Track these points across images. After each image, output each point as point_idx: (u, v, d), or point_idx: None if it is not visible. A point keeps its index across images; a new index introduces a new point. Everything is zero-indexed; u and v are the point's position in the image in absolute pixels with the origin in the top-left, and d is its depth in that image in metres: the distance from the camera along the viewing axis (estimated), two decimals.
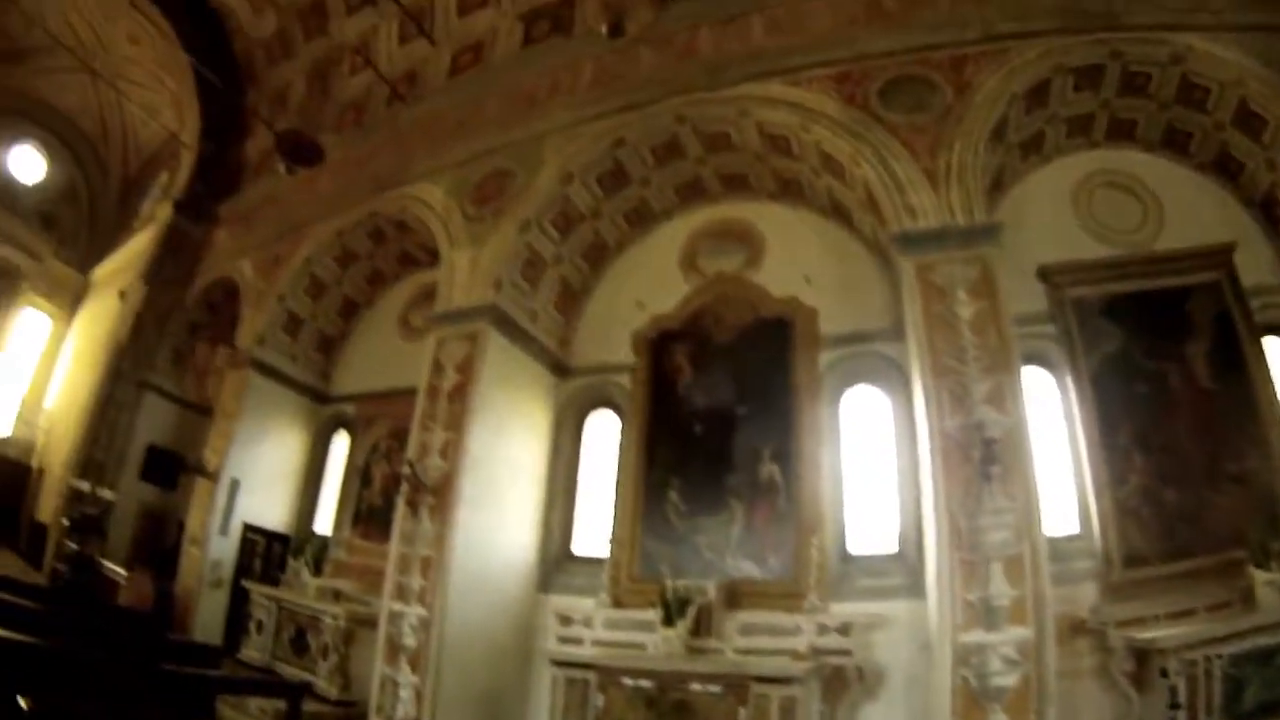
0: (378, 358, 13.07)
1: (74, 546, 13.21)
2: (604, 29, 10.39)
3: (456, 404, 9.38)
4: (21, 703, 3.24)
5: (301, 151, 11.97)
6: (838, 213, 9.82)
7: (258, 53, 17.45)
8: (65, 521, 13.86)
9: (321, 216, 13.52)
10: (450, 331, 9.94)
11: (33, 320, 22.92)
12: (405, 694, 8.33)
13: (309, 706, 7.95)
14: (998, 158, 8.42)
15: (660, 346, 10.05)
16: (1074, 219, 8.71)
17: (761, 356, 9.32)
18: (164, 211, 18.23)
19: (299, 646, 10.37)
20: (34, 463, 19.68)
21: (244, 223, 16.33)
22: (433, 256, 11.91)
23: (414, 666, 8.38)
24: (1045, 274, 8.37)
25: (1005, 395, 6.80)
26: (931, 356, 7.14)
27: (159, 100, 21.07)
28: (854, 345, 9.07)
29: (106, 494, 14.18)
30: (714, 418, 9.32)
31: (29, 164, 24.65)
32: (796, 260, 9.84)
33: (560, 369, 10.78)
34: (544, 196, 10.27)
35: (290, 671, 10.10)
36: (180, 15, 17.74)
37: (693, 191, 10.81)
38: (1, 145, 24.18)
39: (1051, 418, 8.00)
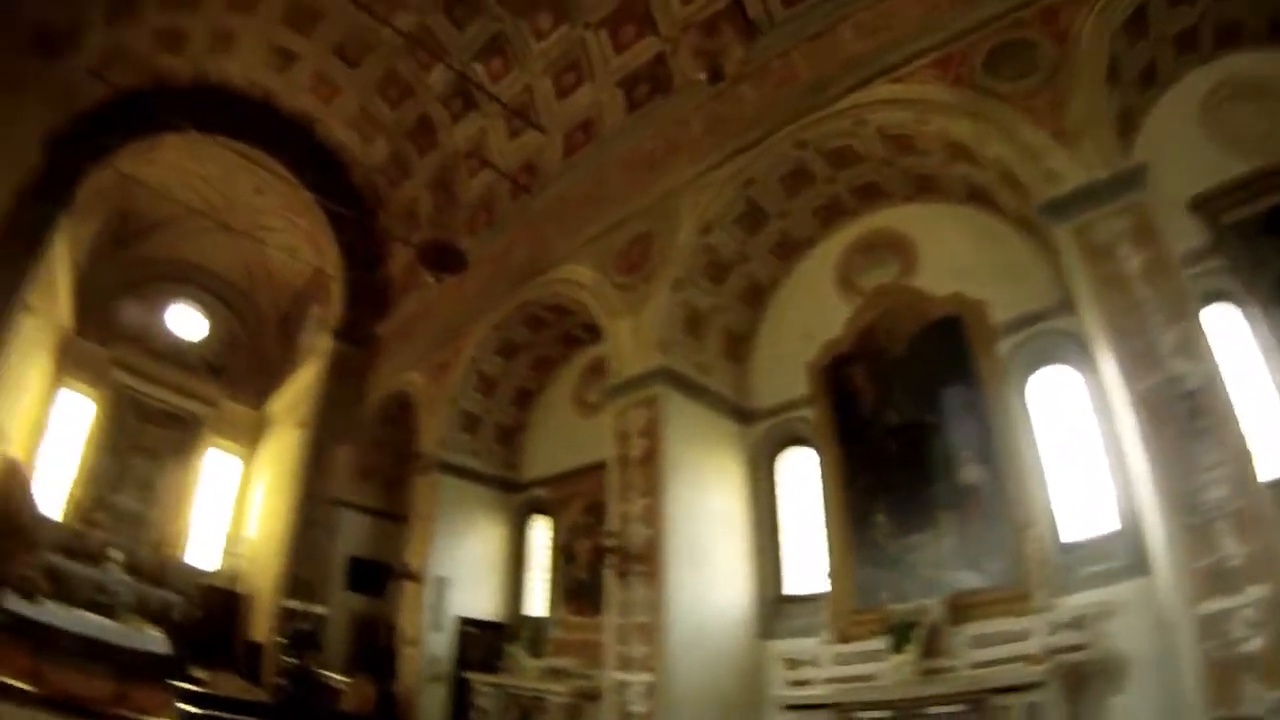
0: (560, 439, 14.34)
1: (292, 661, 15.04)
2: (703, 77, 11.26)
3: (648, 469, 10.08)
4: None
5: (445, 259, 13.12)
6: (979, 198, 10.07)
7: (378, 178, 19.55)
8: (280, 639, 15.75)
9: (476, 316, 15.06)
10: (627, 400, 10.78)
11: (220, 460, 26.38)
12: None
13: None
14: (1118, 99, 8.37)
15: (836, 373, 10.47)
16: (1209, 141, 8.53)
17: (938, 360, 9.55)
18: (324, 342, 20.74)
19: None
20: (243, 589, 22.56)
21: (403, 337, 18.32)
22: (593, 333, 13.17)
23: None
24: (1196, 205, 8.24)
25: (1193, 342, 6.71)
26: (1109, 320, 7.14)
27: (296, 239, 23.60)
28: (1028, 328, 9.19)
29: (317, 609, 16.14)
30: (904, 432, 9.57)
31: (189, 321, 28.43)
32: (950, 255, 10.14)
33: (743, 415, 11.38)
34: (688, 251, 11.04)
35: None
36: (296, 159, 20.09)
37: (831, 212, 11.40)
38: (161, 308, 27.70)
39: (1246, 355, 7.76)
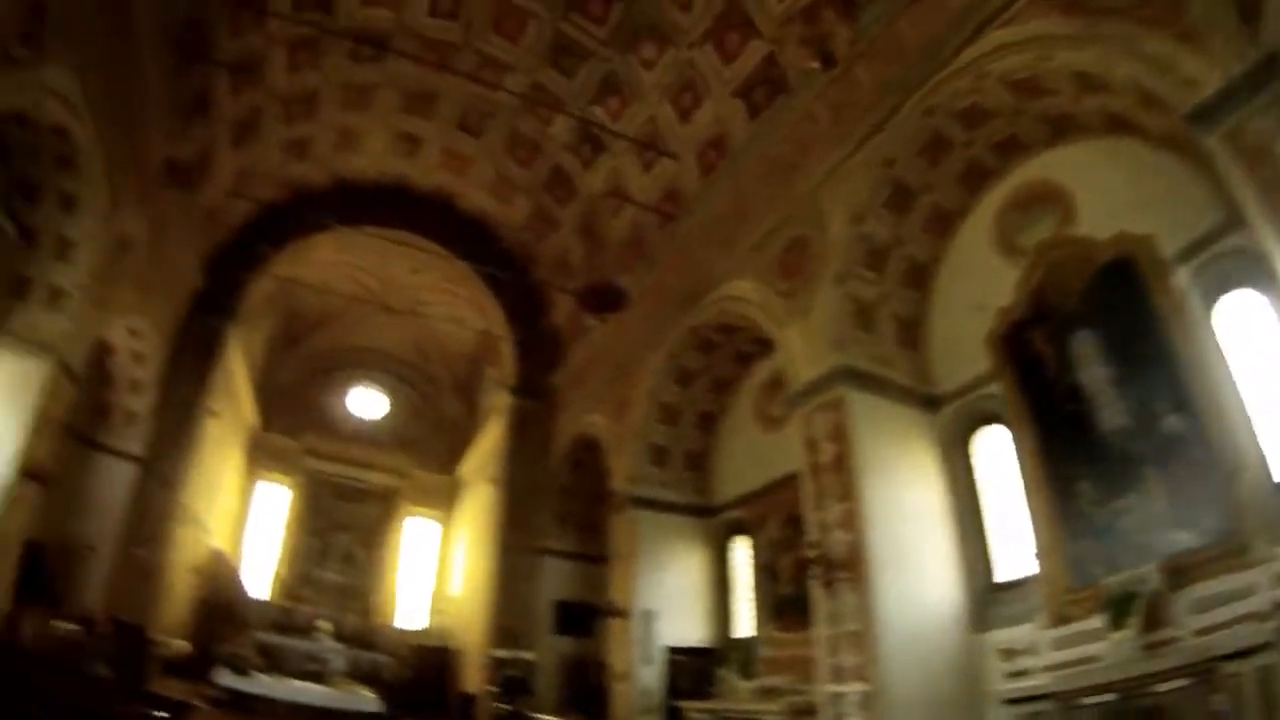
0: (748, 457, 14.88)
1: (505, 708, 16.34)
2: (816, 66, 11.62)
3: (841, 473, 10.30)
4: None
5: (606, 300, 13.96)
6: (1120, 127, 9.77)
7: (525, 235, 21.04)
8: (492, 688, 17.12)
9: (647, 349, 15.95)
10: (810, 406, 11.12)
11: (419, 526, 29.10)
12: None
13: None
14: None
15: (1015, 341, 10.27)
16: None
17: (1116, 307, 9.26)
18: (503, 400, 22.25)
19: None
20: (452, 644, 24.51)
21: (579, 382, 19.58)
22: (765, 345, 13.84)
23: None
24: None
25: None
26: None
27: (458, 308, 25.51)
28: (1201, 254, 8.71)
29: (526, 655, 17.42)
30: (1093, 389, 9.29)
31: (371, 402, 31.52)
32: (1105, 195, 9.88)
33: (928, 402, 11.35)
34: (843, 245, 11.31)
35: None
36: (444, 234, 21.88)
37: (975, 175, 11.39)
38: (341, 393, 30.55)
39: None
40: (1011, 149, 11.00)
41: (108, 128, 12.87)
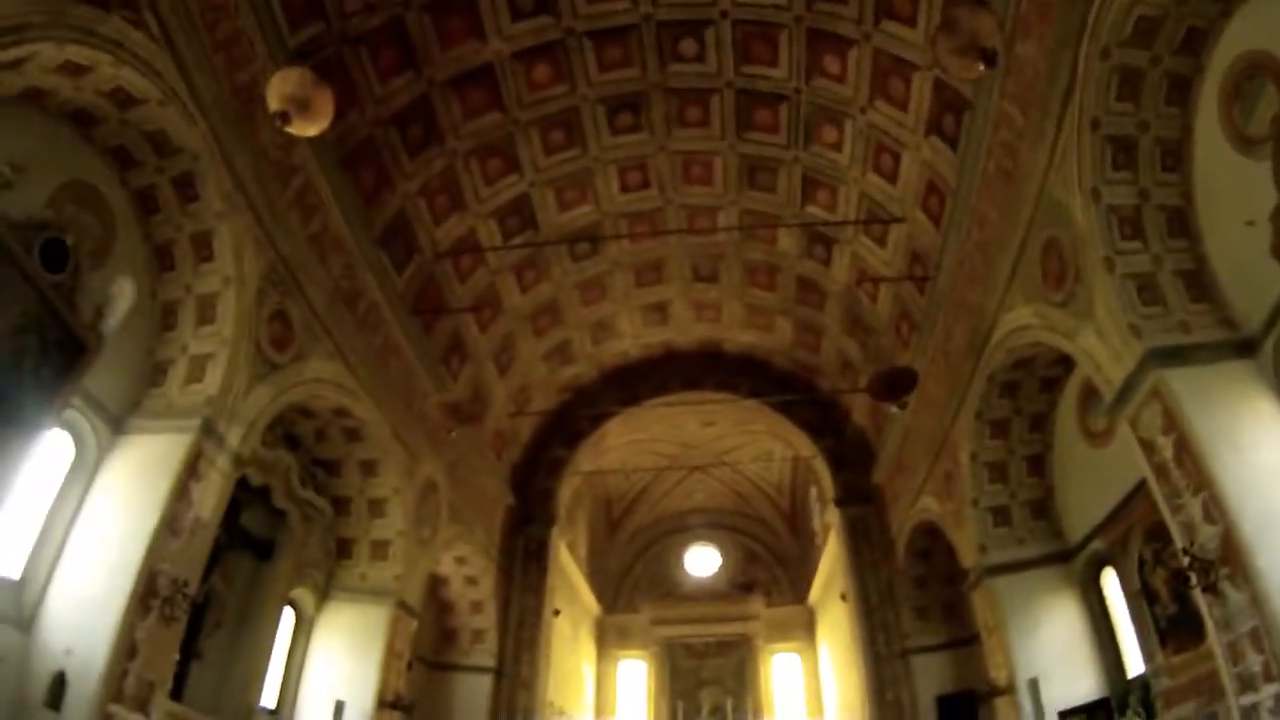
0: (1089, 483, 13.68)
1: None
2: (981, 68, 10.68)
3: (1187, 463, 9.27)
4: None
5: (897, 383, 13.66)
6: None
7: (798, 353, 21.93)
8: None
9: (954, 416, 15.41)
10: (1133, 407, 10.16)
11: (783, 663, 29.49)
12: None
13: None
14: None
15: None
16: None
17: None
18: (831, 515, 22.25)
19: None
20: None
21: (900, 472, 19.20)
22: (1065, 363, 13.00)
23: None
24: None
25: None
26: None
27: (760, 444, 27.16)
28: None
29: None
30: None
31: (705, 559, 33.23)
32: None
33: (1244, 348, 9.87)
34: (1095, 227, 10.37)
35: None
36: (721, 381, 23.17)
37: (1178, 87, 10.12)
38: (674, 558, 31.49)
39: None
40: (1198, 39, 9.75)
41: (383, 397, 14.51)
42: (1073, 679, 13.54)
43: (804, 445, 22.93)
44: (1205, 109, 9.93)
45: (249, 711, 12.53)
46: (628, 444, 25.48)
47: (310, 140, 10.98)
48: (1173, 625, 11.66)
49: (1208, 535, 8.90)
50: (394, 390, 15.27)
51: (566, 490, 23.30)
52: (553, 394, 22.19)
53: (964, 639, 18.28)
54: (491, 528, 20.56)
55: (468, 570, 19.72)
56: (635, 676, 29.45)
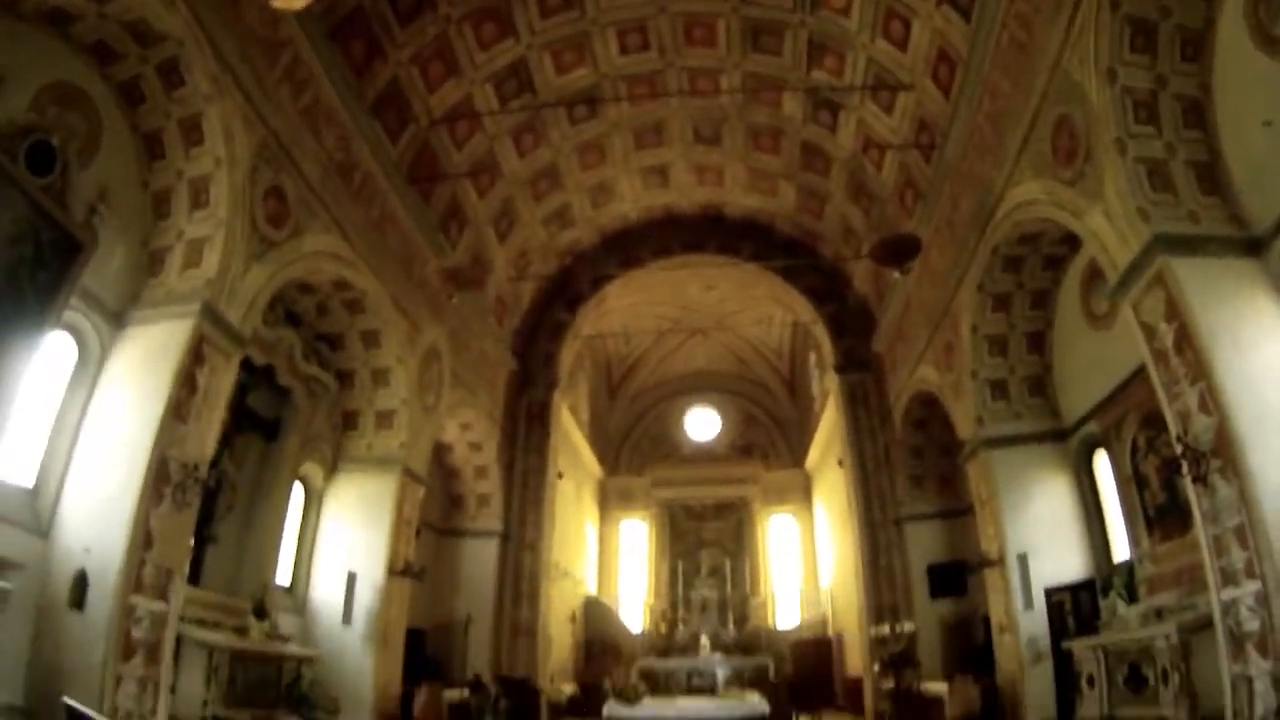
0: (1088, 365, 13.76)
1: (890, 684, 16.38)
2: None
3: (1187, 352, 9.21)
4: None
5: (900, 250, 13.45)
6: None
7: (801, 218, 21.64)
8: (875, 667, 17.24)
9: (956, 287, 15.41)
10: (1137, 290, 10.07)
11: (780, 525, 30.45)
12: (1260, 686, 8.00)
13: None
14: None
15: None
16: None
17: None
18: (830, 381, 22.54)
19: (1135, 684, 10.71)
20: (832, 633, 25.21)
21: (900, 341, 19.42)
22: (1071, 242, 12.94)
23: (1263, 651, 8.03)
24: None
25: None
26: None
27: (760, 308, 26.90)
28: None
29: (906, 627, 17.19)
30: None
31: (704, 421, 33.65)
32: None
33: (1252, 247, 9.73)
34: (1109, 108, 10.08)
35: (1130, 714, 10.57)
36: (723, 244, 23.10)
37: None
38: (675, 421, 31.88)
39: None
40: None
41: (382, 267, 14.49)
42: (1060, 557, 13.93)
43: (805, 311, 22.97)
44: (1231, 2, 9.55)
45: (265, 589, 12.92)
46: (628, 307, 25.51)
47: (297, 14, 10.64)
48: (1160, 514, 11.89)
49: (1203, 426, 8.94)
50: (393, 259, 15.21)
51: (568, 354, 23.49)
52: (553, 259, 22.12)
53: (957, 510, 18.83)
54: (494, 392, 20.86)
55: (472, 436, 20.07)
56: (636, 537, 30.40)
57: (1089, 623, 12.89)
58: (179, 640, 9.95)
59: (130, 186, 10.23)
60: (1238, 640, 8.37)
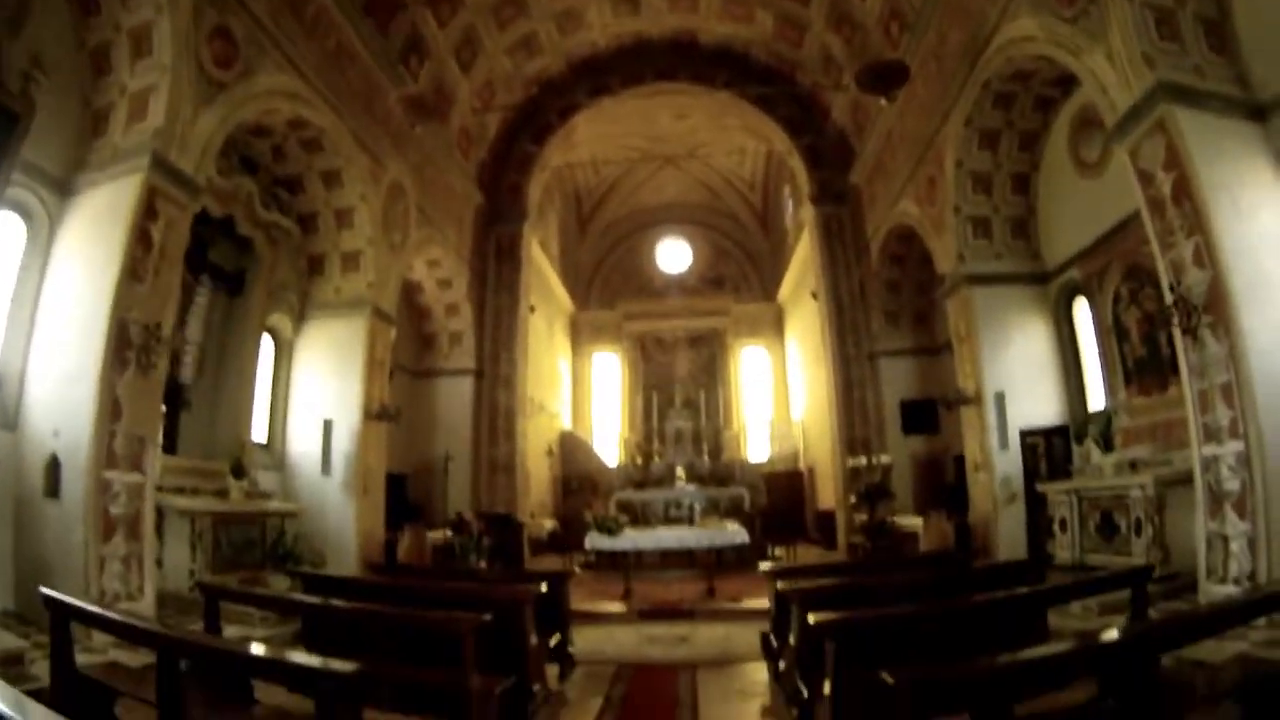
0: (1073, 212, 13.51)
1: (863, 517, 16.74)
2: None
3: (1184, 203, 8.98)
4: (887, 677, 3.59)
5: (886, 77, 13.02)
6: None
7: (778, 46, 20.57)
8: (852, 499, 17.62)
9: (943, 119, 14.92)
10: (1136, 136, 9.69)
11: (752, 358, 30.96)
12: (1236, 546, 8.11)
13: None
14: None
15: None
16: None
17: None
18: (806, 213, 22.19)
19: (1106, 532, 10.94)
20: (804, 466, 25.72)
21: (880, 174, 18.97)
22: (1064, 85, 12.59)
23: (1240, 512, 8.11)
24: None
25: None
26: None
27: (734, 138, 25.94)
28: None
29: (883, 459, 17.61)
30: None
31: (675, 254, 33.33)
32: None
33: (1254, 111, 9.39)
34: None
35: (1100, 560, 10.76)
36: (696, 73, 22.01)
37: None
38: (645, 254, 31.80)
39: None
40: None
41: (340, 102, 13.81)
42: (1036, 400, 14.07)
43: (781, 141, 22.34)
44: None
45: (241, 448, 12.76)
46: (598, 138, 24.65)
47: None
48: (1139, 367, 11.96)
49: (1196, 279, 8.81)
50: (351, 94, 14.42)
51: (536, 187, 22.85)
52: (519, 89, 21.16)
53: (930, 349, 19.09)
54: (462, 228, 20.34)
55: (441, 273, 19.69)
56: (610, 371, 30.57)
57: (1061, 468, 13.15)
58: (160, 512, 9.88)
59: (65, 47, 9.48)
60: (1216, 498, 8.46)
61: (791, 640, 6.83)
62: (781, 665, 7.34)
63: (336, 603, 6.85)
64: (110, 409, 8.66)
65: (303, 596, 7.94)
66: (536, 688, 6.94)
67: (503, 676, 5.90)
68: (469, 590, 7.87)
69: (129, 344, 8.97)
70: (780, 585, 7.73)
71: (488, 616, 5.55)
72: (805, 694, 6.06)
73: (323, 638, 6.76)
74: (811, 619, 5.24)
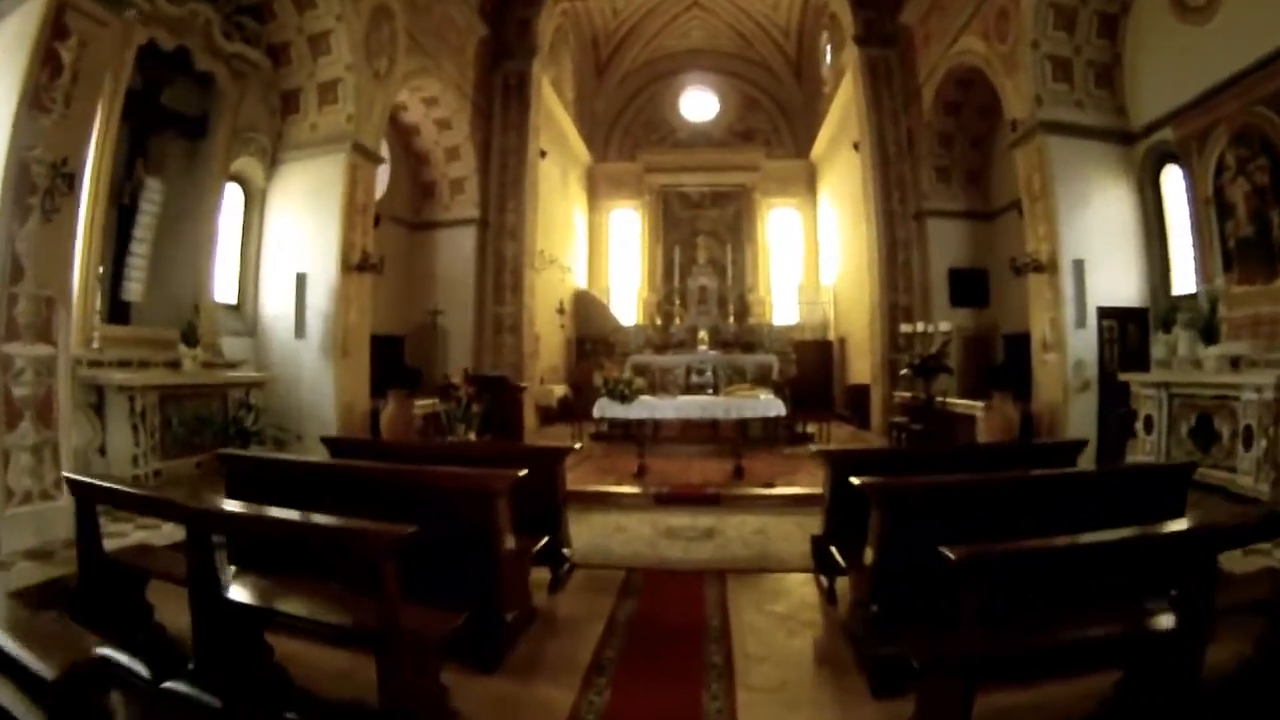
0: (1172, 62, 11.41)
1: (907, 394, 15.13)
2: None
3: None
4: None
5: None
6: None
7: None
8: (903, 371, 15.28)
9: None
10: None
11: (781, 218, 28.84)
12: None
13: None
14: None
15: None
16: None
17: None
18: (850, 55, 19.75)
19: (1204, 439, 9.42)
20: (831, 336, 24.19)
21: (936, 10, 16.56)
22: None
23: None
24: None
25: None
26: None
27: None
28: None
29: (942, 326, 15.08)
30: None
31: (702, 104, 30.62)
32: None
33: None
34: None
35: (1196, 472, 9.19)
36: None
37: None
38: (668, 102, 29.50)
39: None
40: None
41: None
42: (1114, 278, 12.29)
43: None
44: None
45: (195, 310, 11.17)
46: None
47: None
48: (1242, 250, 10.05)
49: None
50: None
51: (548, 22, 20.58)
52: None
53: (984, 213, 17.20)
54: (462, 62, 18.15)
55: (439, 112, 17.73)
56: (629, 227, 28.83)
57: (1136, 357, 11.66)
58: (100, 392, 8.76)
59: None
60: None
61: (869, 557, 5.06)
62: (849, 591, 5.84)
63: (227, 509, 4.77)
64: (9, 268, 7.05)
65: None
66: (510, 616, 5.34)
67: (456, 609, 4.36)
68: (421, 478, 5.71)
69: (32, 188, 7.26)
70: (855, 480, 5.18)
71: (412, 529, 3.82)
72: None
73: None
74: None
